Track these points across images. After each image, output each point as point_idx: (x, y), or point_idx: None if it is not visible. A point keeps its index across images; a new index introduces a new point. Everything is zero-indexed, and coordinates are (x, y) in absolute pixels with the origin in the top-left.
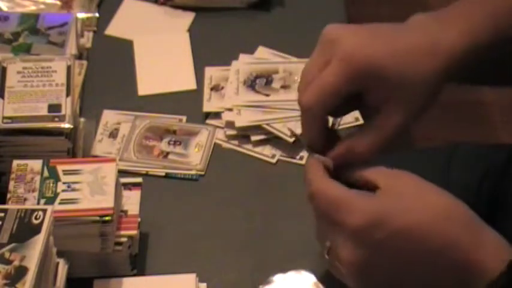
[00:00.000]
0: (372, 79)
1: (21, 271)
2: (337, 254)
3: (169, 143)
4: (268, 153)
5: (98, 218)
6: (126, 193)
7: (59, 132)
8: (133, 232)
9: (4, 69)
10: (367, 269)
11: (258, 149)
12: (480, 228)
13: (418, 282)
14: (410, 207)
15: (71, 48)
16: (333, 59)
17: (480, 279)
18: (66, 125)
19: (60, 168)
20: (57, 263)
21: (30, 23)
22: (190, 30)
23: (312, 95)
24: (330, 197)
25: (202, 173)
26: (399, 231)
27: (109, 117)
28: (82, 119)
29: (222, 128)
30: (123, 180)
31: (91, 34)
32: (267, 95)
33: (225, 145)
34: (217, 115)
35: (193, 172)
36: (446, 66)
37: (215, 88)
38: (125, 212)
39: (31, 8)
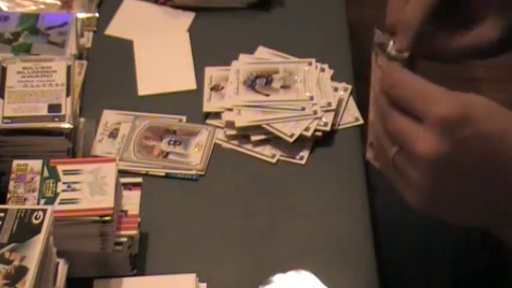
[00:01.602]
0: None
1: (21, 271)
2: (412, 151)
3: (169, 143)
4: (268, 153)
5: (98, 218)
6: (126, 193)
7: (59, 132)
8: (133, 232)
9: (4, 69)
10: (444, 165)
11: (258, 149)
12: None
13: (486, 190)
14: (496, 115)
15: (71, 48)
16: None
17: None
18: (66, 125)
19: (60, 168)
20: (57, 263)
21: (30, 23)
22: (190, 30)
23: None
24: (418, 86)
25: (202, 173)
26: (485, 134)
27: (109, 117)
28: (82, 119)
29: (222, 128)
30: (123, 180)
31: (91, 34)
32: (267, 95)
33: (225, 145)
34: (217, 115)
35: (193, 172)
36: None
37: (215, 88)
38: (125, 212)
39: (31, 8)
